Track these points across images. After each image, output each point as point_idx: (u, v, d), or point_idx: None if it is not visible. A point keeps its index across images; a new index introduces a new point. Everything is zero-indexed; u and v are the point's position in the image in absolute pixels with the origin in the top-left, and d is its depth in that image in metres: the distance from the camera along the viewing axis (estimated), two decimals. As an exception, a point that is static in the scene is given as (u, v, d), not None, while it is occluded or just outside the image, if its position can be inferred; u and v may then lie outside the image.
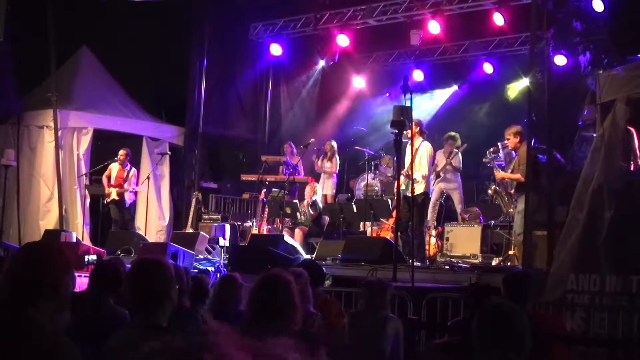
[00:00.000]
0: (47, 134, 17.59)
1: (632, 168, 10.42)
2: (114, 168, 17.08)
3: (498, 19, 16.76)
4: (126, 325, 4.72)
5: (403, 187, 12.69)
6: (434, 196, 15.39)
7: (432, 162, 14.37)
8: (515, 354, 3.96)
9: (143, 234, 16.25)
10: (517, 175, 12.58)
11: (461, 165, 15.90)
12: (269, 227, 16.66)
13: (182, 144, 19.69)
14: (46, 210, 17.54)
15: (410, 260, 11.23)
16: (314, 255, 13.89)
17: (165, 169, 19.08)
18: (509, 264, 12.84)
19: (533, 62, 12.45)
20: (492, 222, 14.53)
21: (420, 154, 13.64)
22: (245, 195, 18.92)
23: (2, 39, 16.58)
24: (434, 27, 17.32)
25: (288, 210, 16.09)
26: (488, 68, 19.22)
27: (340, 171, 18.26)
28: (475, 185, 17.28)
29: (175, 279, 4.55)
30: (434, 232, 15.01)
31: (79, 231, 16.79)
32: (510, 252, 13.02)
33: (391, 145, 13.81)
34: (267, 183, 17.30)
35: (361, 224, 16.02)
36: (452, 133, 16.13)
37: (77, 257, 12.86)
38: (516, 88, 18.46)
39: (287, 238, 14.46)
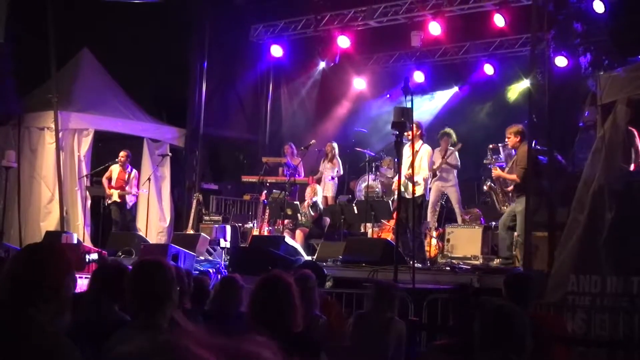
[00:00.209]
0: (47, 135, 17.60)
1: (632, 169, 10.42)
2: (115, 170, 17.08)
3: (499, 20, 16.75)
4: (127, 326, 4.71)
5: (401, 188, 12.68)
6: (432, 196, 15.41)
7: (432, 163, 14.42)
8: (516, 355, 3.96)
9: (144, 236, 16.27)
10: (513, 176, 12.57)
11: (459, 163, 15.89)
12: (270, 228, 16.67)
13: (182, 145, 19.70)
14: (47, 211, 17.55)
15: (411, 262, 11.23)
16: (314, 257, 13.89)
17: (166, 171, 19.09)
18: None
19: (534, 63, 12.45)
20: (493, 223, 14.52)
21: (421, 157, 13.64)
22: (246, 197, 18.92)
23: (2, 41, 16.60)
24: (435, 28, 17.31)
25: (289, 212, 16.09)
26: (489, 69, 19.22)
27: (342, 172, 18.26)
28: (476, 186, 17.27)
29: (176, 281, 4.55)
30: (434, 234, 15.01)
31: (80, 232, 16.78)
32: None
33: (392, 147, 13.82)
34: (267, 184, 17.31)
35: (362, 225, 16.02)
36: (447, 129, 16.17)
37: (78, 258, 12.86)
38: (517, 89, 18.47)
39: (288, 239, 14.46)
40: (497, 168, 13.32)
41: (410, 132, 11.81)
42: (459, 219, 15.69)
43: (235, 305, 6.87)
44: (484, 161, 14.26)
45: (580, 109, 14.40)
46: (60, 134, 17.23)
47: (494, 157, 14.07)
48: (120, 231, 16.59)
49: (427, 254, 14.40)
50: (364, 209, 15.10)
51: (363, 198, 16.54)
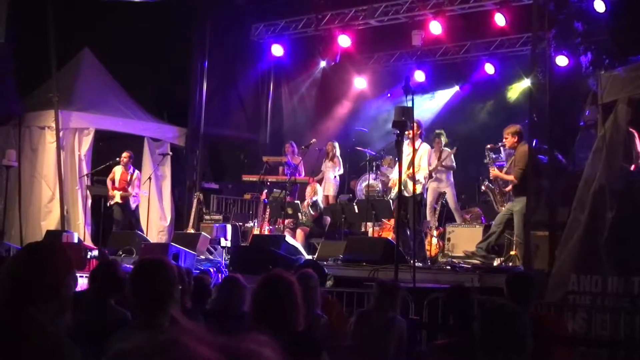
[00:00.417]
0: (48, 134, 17.60)
1: (632, 169, 10.42)
2: (118, 171, 17.07)
3: (499, 20, 16.75)
4: (128, 325, 4.72)
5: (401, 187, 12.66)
6: (430, 196, 15.44)
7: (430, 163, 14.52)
8: (517, 354, 3.97)
9: (144, 235, 16.26)
10: (511, 177, 12.58)
11: (454, 164, 15.87)
12: (271, 227, 16.67)
13: (183, 144, 19.70)
14: (48, 210, 17.54)
15: (411, 261, 11.24)
16: (315, 256, 13.89)
17: (167, 170, 19.09)
18: (510, 264, 12.84)
19: (534, 62, 12.46)
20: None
21: (420, 155, 13.67)
22: (247, 196, 18.92)
23: (3, 40, 16.60)
24: (436, 27, 17.31)
25: (289, 211, 16.09)
26: (489, 68, 19.22)
27: (342, 171, 18.25)
28: (477, 185, 17.26)
29: (178, 280, 4.55)
30: (435, 233, 15.01)
31: (81, 232, 16.78)
32: (512, 253, 13.02)
33: (392, 146, 13.81)
34: (268, 183, 17.32)
35: (362, 224, 16.02)
36: (438, 131, 16.19)
37: (79, 257, 12.87)
38: (517, 89, 18.48)
39: (289, 238, 14.47)
40: (495, 168, 13.30)
41: (410, 131, 11.81)
42: (458, 219, 15.70)
43: (238, 304, 6.86)
44: (485, 161, 14.23)
45: (581, 108, 14.41)
46: (61, 133, 17.23)
47: (494, 156, 14.05)
48: (121, 230, 16.59)
49: (428, 253, 14.41)
50: (364, 208, 15.09)
51: (364, 197, 16.54)
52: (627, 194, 9.55)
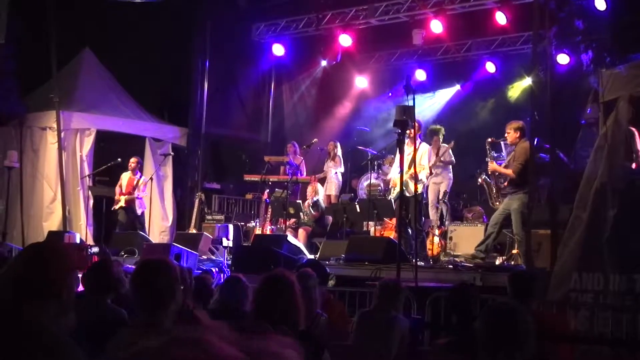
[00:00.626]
0: (49, 135, 17.60)
1: (634, 167, 10.41)
2: (125, 177, 17.11)
3: (500, 18, 16.75)
4: (129, 325, 4.72)
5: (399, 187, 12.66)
6: (430, 195, 15.42)
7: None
8: (520, 353, 3.96)
9: (147, 235, 16.26)
10: (509, 171, 12.55)
11: (453, 159, 15.84)
12: (272, 227, 16.67)
13: (184, 144, 19.71)
14: (49, 211, 17.55)
15: (413, 260, 11.24)
16: (317, 256, 13.89)
17: (168, 170, 19.09)
18: (512, 263, 12.84)
19: (535, 61, 12.44)
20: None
21: (421, 155, 13.66)
22: (249, 196, 18.93)
23: (3, 41, 16.59)
24: (436, 26, 17.32)
25: (291, 211, 16.08)
26: (491, 67, 19.22)
27: (343, 171, 18.25)
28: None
29: (180, 280, 4.55)
30: (437, 232, 15.00)
31: (83, 232, 16.79)
32: (514, 252, 13.01)
33: (394, 145, 13.82)
34: (270, 183, 17.33)
35: (364, 223, 16.02)
36: (434, 127, 16.19)
37: (81, 257, 12.87)
38: (519, 87, 18.48)
39: (291, 238, 14.47)
40: (494, 162, 13.27)
41: (411, 130, 11.80)
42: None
43: (241, 304, 6.86)
44: (486, 159, 14.20)
45: (582, 106, 14.40)
46: (62, 134, 17.22)
47: (496, 155, 14.03)
48: (123, 231, 16.59)
49: (430, 252, 14.40)
50: (366, 208, 15.09)
51: (365, 196, 16.54)
52: (629, 192, 9.55)
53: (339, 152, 17.89)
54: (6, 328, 3.04)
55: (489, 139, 13.39)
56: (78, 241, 15.06)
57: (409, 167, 12.63)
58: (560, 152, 13.59)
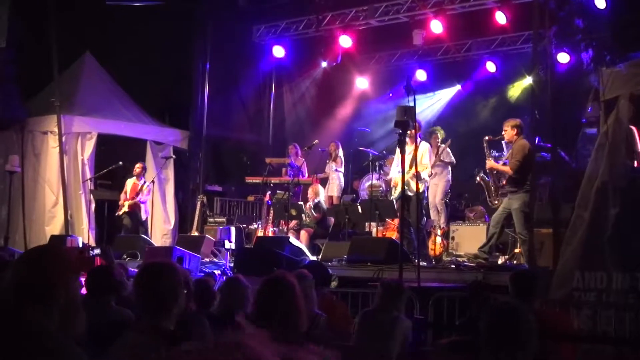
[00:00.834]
0: (51, 139, 17.61)
1: (635, 165, 10.40)
2: (129, 183, 17.13)
3: (500, 18, 16.76)
4: (130, 327, 4.72)
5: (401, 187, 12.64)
6: (431, 195, 15.41)
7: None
8: (522, 352, 3.96)
9: (149, 238, 16.26)
10: (507, 168, 12.55)
11: (453, 158, 15.84)
12: (274, 229, 16.67)
13: (186, 147, 19.72)
14: (51, 215, 17.55)
15: (416, 260, 11.24)
16: (319, 257, 13.90)
17: (170, 173, 19.10)
18: (514, 262, 12.84)
19: (536, 60, 12.44)
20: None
21: (422, 154, 13.66)
22: (250, 198, 18.96)
23: (4, 46, 16.61)
24: (436, 26, 17.32)
25: (293, 212, 16.08)
26: (491, 67, 19.22)
27: (345, 172, 18.26)
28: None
29: (184, 284, 4.55)
30: (439, 232, 15.00)
31: (85, 236, 16.80)
32: (516, 251, 13.01)
33: (395, 146, 13.82)
34: (271, 185, 17.35)
35: (366, 224, 16.01)
36: (434, 128, 16.19)
37: (83, 259, 12.85)
38: (519, 86, 18.49)
39: (293, 240, 14.48)
40: (491, 159, 13.26)
41: (412, 130, 11.80)
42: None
43: (242, 306, 6.86)
44: (487, 160, 14.19)
45: (583, 105, 14.40)
46: (63, 138, 17.24)
47: (497, 154, 14.02)
48: (126, 234, 16.60)
49: (432, 252, 14.41)
50: (368, 208, 15.09)
51: (367, 197, 16.54)
52: (631, 190, 9.54)
53: (341, 153, 17.90)
54: (8, 331, 3.04)
55: (486, 137, 13.37)
56: (80, 245, 15.05)
57: (410, 167, 12.64)
58: (562, 151, 13.59)
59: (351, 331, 7.65)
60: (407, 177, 12.49)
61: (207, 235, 15.81)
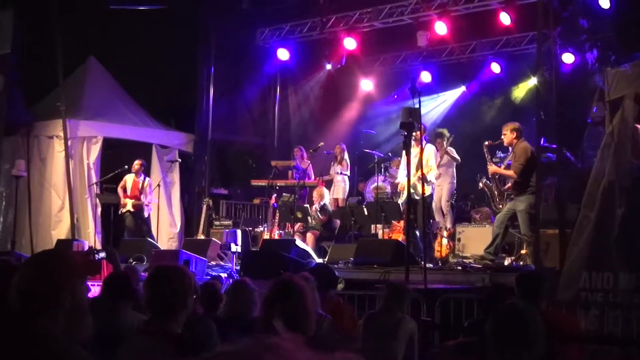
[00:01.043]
0: (57, 143, 17.63)
1: (641, 165, 10.40)
2: (129, 179, 17.13)
3: (504, 19, 16.74)
4: (138, 330, 4.73)
5: (411, 190, 12.62)
6: (436, 197, 15.39)
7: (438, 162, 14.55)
8: (529, 353, 3.96)
9: (155, 242, 16.28)
10: (510, 172, 12.54)
11: (458, 157, 15.82)
12: (281, 231, 16.67)
13: (191, 151, 19.74)
14: (58, 219, 17.57)
15: (422, 262, 11.24)
16: (326, 259, 13.89)
17: (176, 176, 19.12)
18: (521, 263, 12.83)
19: (540, 60, 12.43)
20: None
21: (427, 157, 13.65)
22: (256, 201, 18.97)
23: (9, 51, 16.65)
24: (441, 28, 17.31)
25: (299, 215, 16.09)
26: (496, 68, 19.20)
27: (351, 174, 18.26)
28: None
29: (193, 288, 4.56)
30: (445, 233, 14.99)
31: (91, 240, 16.82)
32: (523, 252, 13.00)
33: (400, 148, 13.82)
34: (277, 188, 17.34)
35: (372, 226, 16.01)
36: (439, 130, 16.17)
37: (89, 263, 12.83)
38: (524, 87, 18.48)
39: (299, 242, 14.47)
40: (493, 164, 13.24)
41: (418, 132, 11.80)
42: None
43: (249, 309, 6.86)
44: (494, 160, 14.18)
45: (588, 105, 14.40)
46: (69, 142, 17.26)
47: (503, 155, 14.01)
48: (132, 238, 16.61)
49: (439, 253, 14.39)
50: (374, 211, 15.09)
51: (373, 199, 16.54)
52: (637, 189, 9.52)
53: (346, 155, 17.88)
54: (15, 336, 3.05)
55: (486, 142, 13.37)
56: (87, 249, 15.06)
57: (417, 170, 12.64)
58: (567, 151, 13.58)
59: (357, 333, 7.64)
60: (413, 180, 12.52)
61: (213, 239, 15.82)
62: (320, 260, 13.77)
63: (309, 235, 16.01)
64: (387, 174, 17.40)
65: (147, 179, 17.37)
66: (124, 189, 17.11)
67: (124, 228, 17.14)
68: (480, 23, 18.12)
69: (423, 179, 12.49)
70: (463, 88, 20.39)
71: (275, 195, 17.24)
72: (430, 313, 9.70)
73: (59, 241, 16.01)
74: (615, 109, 9.97)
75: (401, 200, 14.43)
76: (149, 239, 16.15)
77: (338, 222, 16.45)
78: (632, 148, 9.86)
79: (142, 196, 17.00)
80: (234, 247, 15.34)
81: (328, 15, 18.74)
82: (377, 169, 17.05)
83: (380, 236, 15.25)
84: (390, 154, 17.91)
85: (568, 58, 16.29)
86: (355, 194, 18.76)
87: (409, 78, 12.29)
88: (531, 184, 12.05)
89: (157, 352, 4.13)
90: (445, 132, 15.89)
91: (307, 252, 14.03)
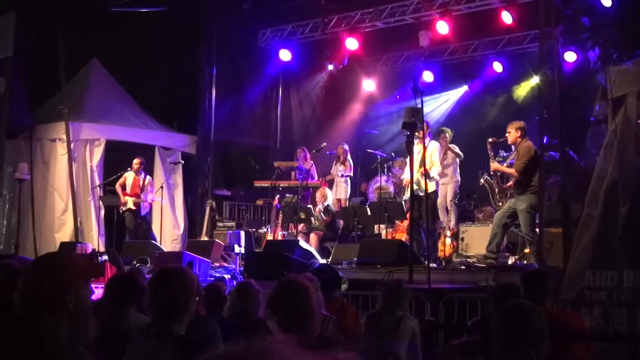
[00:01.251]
0: (59, 146, 17.65)
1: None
2: (129, 177, 17.13)
3: (506, 17, 16.73)
4: (142, 332, 4.73)
5: (415, 187, 12.59)
6: (440, 197, 15.37)
7: (443, 158, 14.53)
8: (534, 353, 3.96)
9: (158, 243, 16.28)
10: (512, 170, 12.52)
11: (460, 152, 15.83)
12: (284, 232, 16.67)
13: (194, 152, 19.73)
14: (61, 222, 17.57)
15: (426, 262, 11.23)
16: (329, 260, 13.89)
17: (179, 178, 19.12)
18: (525, 262, 12.81)
19: (542, 59, 12.42)
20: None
21: (431, 153, 13.65)
22: (259, 202, 18.97)
23: (11, 54, 16.65)
24: (443, 27, 17.31)
25: (302, 216, 16.09)
26: (498, 67, 19.20)
27: (353, 174, 18.26)
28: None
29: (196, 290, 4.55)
30: (448, 233, 14.99)
31: (95, 242, 16.85)
32: (526, 251, 12.99)
33: (403, 147, 13.81)
34: (280, 189, 17.34)
35: (376, 226, 16.01)
36: (442, 128, 16.18)
37: (92, 266, 12.83)
38: (526, 86, 18.48)
39: (302, 243, 14.46)
40: (495, 161, 13.22)
41: (420, 132, 11.80)
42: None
43: (253, 310, 6.85)
44: (497, 159, 14.16)
45: (591, 103, 14.39)
46: (72, 145, 17.29)
47: (506, 154, 14.00)
48: (134, 240, 16.61)
49: (442, 253, 14.39)
50: (377, 211, 15.09)
51: (375, 199, 16.53)
52: (640, 187, 9.51)
53: (349, 156, 17.88)
54: (19, 339, 3.05)
55: (490, 139, 13.35)
56: (90, 252, 15.07)
57: (420, 167, 12.64)
58: (570, 150, 13.56)
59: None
60: (416, 176, 12.50)
61: (216, 240, 15.82)
62: (323, 261, 13.76)
63: (312, 236, 16.01)
64: (390, 174, 17.40)
65: (148, 177, 17.37)
66: (123, 187, 17.10)
67: (125, 229, 17.14)
68: (482, 22, 18.10)
69: (426, 175, 12.50)
70: (465, 87, 20.39)
71: (279, 196, 17.24)
72: (434, 313, 9.70)
73: (63, 244, 16.02)
74: (617, 106, 9.95)
75: (405, 197, 14.41)
76: (152, 242, 16.15)
77: (341, 222, 16.44)
78: (635, 146, 9.85)
79: (142, 194, 17.00)
80: (237, 249, 15.35)
81: (330, 16, 18.73)
82: (380, 169, 17.05)
83: (383, 236, 15.24)
84: (393, 154, 17.91)
85: (570, 56, 16.29)
86: (357, 194, 18.75)
87: (411, 78, 12.31)
88: (532, 183, 12.04)
89: (160, 354, 4.13)
90: (448, 130, 15.90)
91: (310, 252, 14.03)
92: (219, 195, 19.50)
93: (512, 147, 13.26)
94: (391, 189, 17.18)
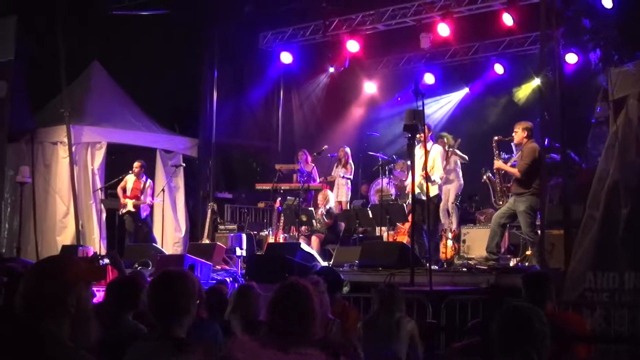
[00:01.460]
0: (61, 149, 17.64)
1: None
2: (130, 180, 17.13)
3: (507, 19, 16.72)
4: (142, 336, 4.73)
5: (417, 190, 12.59)
6: (444, 199, 15.37)
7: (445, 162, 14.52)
8: (536, 354, 3.96)
9: (160, 247, 16.28)
10: (515, 170, 12.51)
11: (465, 156, 15.84)
12: (285, 235, 16.67)
13: (195, 155, 19.73)
14: (63, 226, 17.57)
15: (427, 264, 11.22)
16: (331, 262, 13.88)
17: (180, 181, 19.12)
18: (526, 264, 12.81)
19: (544, 61, 12.42)
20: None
21: (434, 157, 13.63)
22: (261, 205, 18.97)
23: (12, 57, 16.66)
24: (444, 29, 17.30)
25: (304, 218, 16.09)
26: (499, 69, 19.20)
27: (354, 177, 18.27)
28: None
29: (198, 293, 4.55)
30: (450, 235, 14.98)
31: (96, 246, 16.85)
32: (528, 253, 12.98)
33: (404, 150, 13.81)
34: (281, 191, 17.34)
35: (377, 229, 16.00)
36: (441, 133, 16.17)
37: (93, 269, 12.81)
38: (527, 88, 18.48)
39: (304, 246, 14.45)
40: (499, 159, 13.21)
41: (422, 134, 11.79)
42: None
43: (255, 313, 6.85)
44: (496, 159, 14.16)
45: (592, 105, 14.39)
46: (73, 148, 17.27)
47: (507, 156, 14.00)
48: (136, 243, 16.61)
49: (444, 255, 14.39)
50: (378, 213, 15.09)
51: (377, 202, 16.53)
52: (642, 189, 9.51)
53: (351, 159, 17.89)
54: (21, 343, 3.05)
55: (496, 137, 13.33)
56: (92, 255, 15.07)
57: (422, 170, 12.64)
58: (571, 151, 13.56)
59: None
60: (419, 180, 12.50)
61: (218, 243, 15.80)
62: (325, 264, 13.76)
63: (314, 239, 16.01)
64: (391, 176, 17.39)
65: (149, 180, 17.37)
66: (124, 190, 17.11)
67: (125, 232, 17.15)
68: (482, 24, 18.10)
69: (427, 178, 12.49)
70: (466, 89, 20.40)
71: (280, 198, 17.24)
72: (436, 315, 9.70)
73: (64, 247, 16.02)
74: (619, 108, 9.96)
75: (409, 200, 14.40)
76: (154, 245, 16.15)
77: (343, 225, 16.44)
78: (637, 147, 9.85)
79: (142, 197, 17.00)
80: (239, 251, 15.33)
81: (331, 18, 18.74)
82: (381, 171, 17.04)
83: (385, 238, 15.24)
84: (394, 157, 17.91)
85: (571, 58, 16.29)
86: (358, 197, 18.75)
87: (412, 80, 12.32)
88: (533, 185, 12.03)
89: (161, 356, 4.13)
90: (447, 136, 15.90)
91: (312, 255, 14.01)
92: (221, 198, 19.50)
93: (515, 148, 13.28)
94: (392, 191, 17.17)
